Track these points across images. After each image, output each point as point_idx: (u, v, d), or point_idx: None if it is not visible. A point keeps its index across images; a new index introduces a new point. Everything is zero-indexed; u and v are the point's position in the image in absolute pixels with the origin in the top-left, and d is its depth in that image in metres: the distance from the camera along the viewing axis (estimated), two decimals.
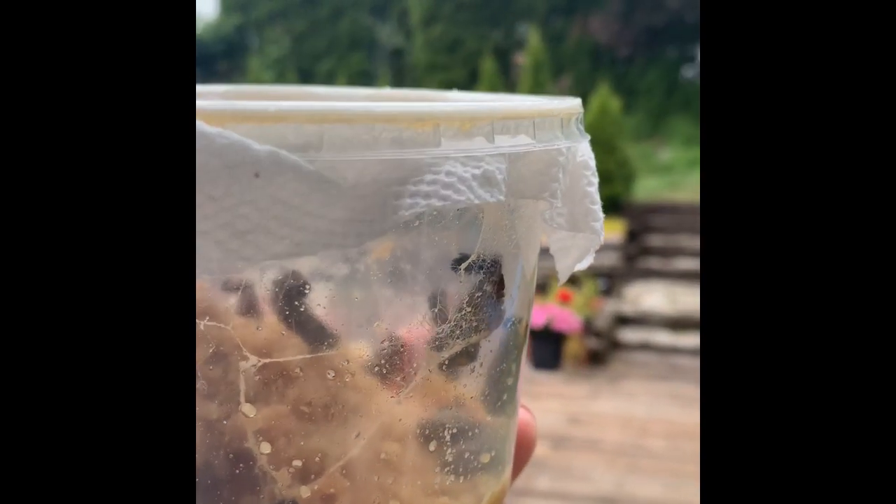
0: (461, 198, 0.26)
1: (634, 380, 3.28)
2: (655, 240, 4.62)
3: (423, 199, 0.25)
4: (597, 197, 0.32)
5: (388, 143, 0.26)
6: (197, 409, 0.26)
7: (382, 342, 0.28)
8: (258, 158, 0.23)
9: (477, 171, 0.27)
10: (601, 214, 0.32)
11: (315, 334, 0.27)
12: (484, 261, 0.30)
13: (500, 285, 0.31)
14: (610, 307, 3.72)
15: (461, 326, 0.30)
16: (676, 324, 3.63)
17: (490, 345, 0.31)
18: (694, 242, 4.31)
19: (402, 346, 0.28)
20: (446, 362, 0.30)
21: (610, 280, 4.04)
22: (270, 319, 0.26)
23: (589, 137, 0.33)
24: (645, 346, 3.67)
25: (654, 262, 4.48)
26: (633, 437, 2.71)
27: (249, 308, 0.26)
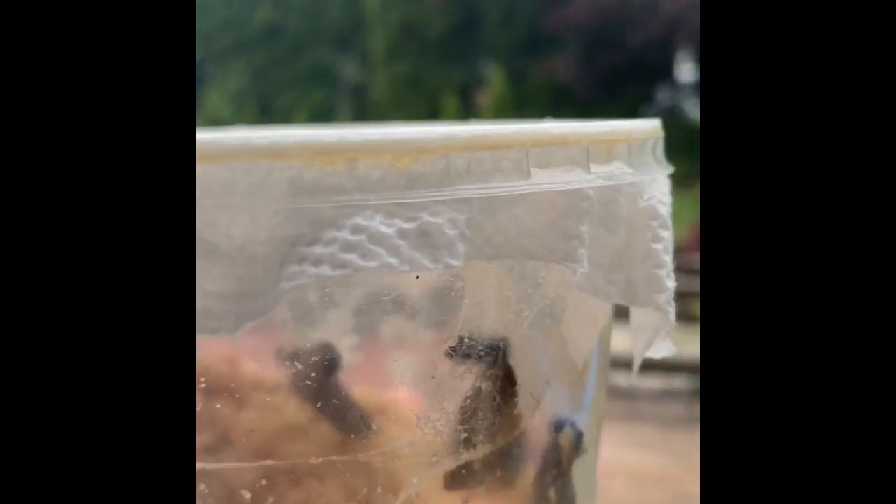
0: (371, 264, 0.18)
1: None
2: None
3: (313, 265, 0.18)
4: (665, 258, 0.24)
5: (282, 187, 0.18)
6: None
7: None
8: None
9: (408, 226, 0.19)
10: (670, 284, 0.24)
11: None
12: (472, 346, 0.22)
13: (506, 380, 0.23)
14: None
15: (452, 436, 0.22)
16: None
17: (506, 465, 0.24)
18: None
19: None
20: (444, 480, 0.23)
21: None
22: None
23: (667, 171, 0.25)
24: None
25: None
26: None
27: None
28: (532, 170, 0.21)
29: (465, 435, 0.23)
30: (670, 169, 0.27)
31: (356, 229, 0.18)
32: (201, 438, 0.22)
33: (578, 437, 0.26)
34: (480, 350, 0.23)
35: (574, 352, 0.25)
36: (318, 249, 0.18)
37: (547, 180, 0.21)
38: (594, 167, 0.22)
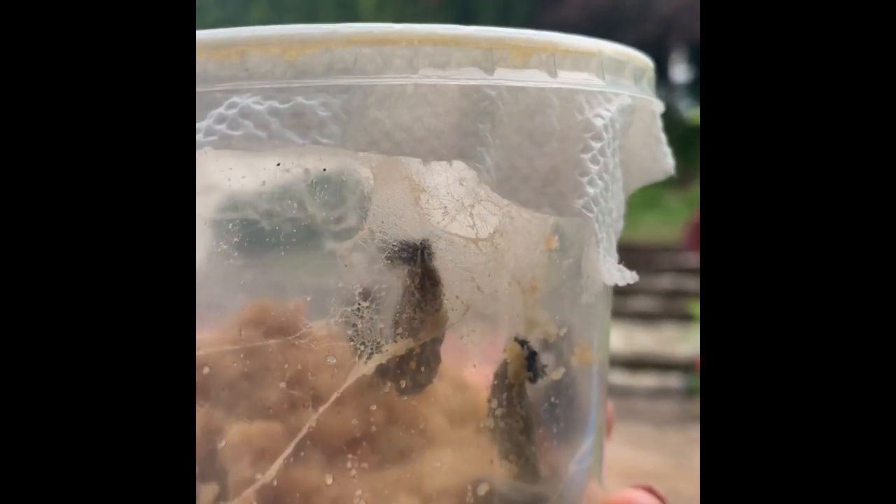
0: (236, 133, 0.21)
1: None
2: (664, 282, 4.58)
3: (202, 135, 0.21)
4: (591, 166, 0.24)
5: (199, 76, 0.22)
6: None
7: None
8: None
9: (282, 106, 0.21)
10: (591, 189, 0.24)
11: None
12: (387, 242, 0.24)
13: (426, 278, 0.25)
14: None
15: (369, 326, 0.25)
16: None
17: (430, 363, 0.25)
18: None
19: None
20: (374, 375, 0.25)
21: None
22: None
23: (632, 92, 0.27)
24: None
25: (641, 303, 4.45)
26: None
27: None
28: (424, 69, 0.23)
29: (381, 325, 0.25)
30: (643, 94, 0.28)
31: (230, 106, 0.22)
32: None
33: (531, 357, 0.27)
34: (395, 245, 0.25)
35: (517, 269, 0.26)
36: (202, 123, 0.22)
37: (437, 77, 0.23)
38: (503, 72, 0.24)
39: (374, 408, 0.25)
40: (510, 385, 0.27)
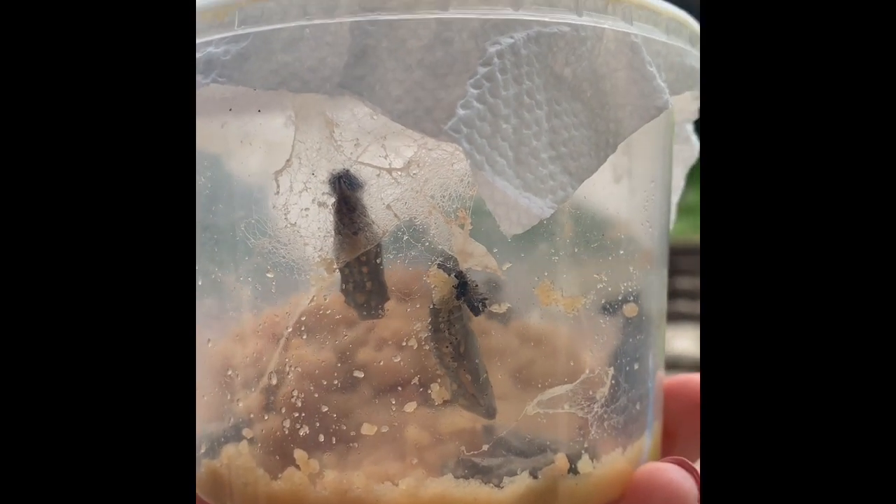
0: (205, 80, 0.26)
1: None
2: (684, 282, 4.46)
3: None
4: (473, 90, 0.25)
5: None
6: None
7: None
8: None
9: (200, 54, 0.27)
10: (463, 110, 0.24)
11: None
12: (310, 175, 0.28)
13: (342, 203, 0.27)
14: None
15: (298, 244, 0.28)
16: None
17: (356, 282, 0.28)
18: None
19: None
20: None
21: None
22: None
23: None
24: None
25: (683, 305, 4.34)
26: None
27: None
28: (317, 15, 0.26)
29: (307, 246, 0.28)
30: (603, 24, 0.27)
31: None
32: None
33: (462, 286, 0.28)
34: (314, 175, 0.28)
35: (440, 200, 0.27)
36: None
37: (326, 19, 0.26)
38: (390, 9, 0.26)
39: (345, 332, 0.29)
40: (437, 310, 0.28)
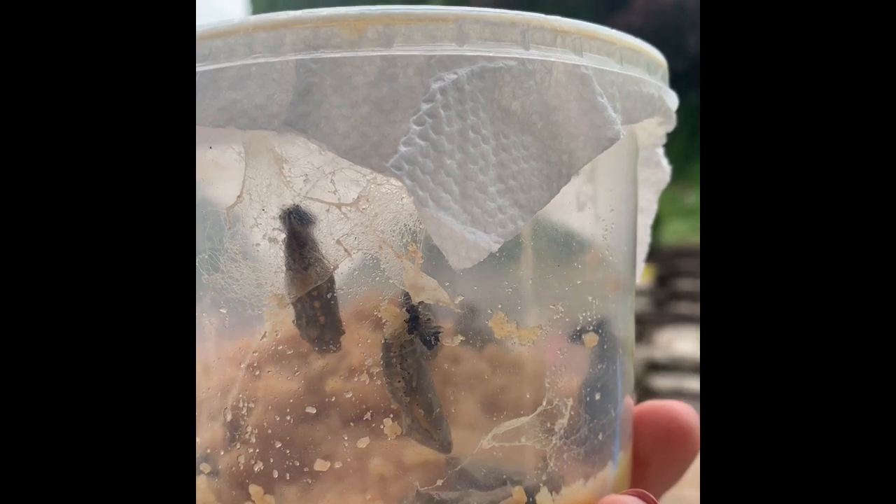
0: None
1: None
2: (685, 284, 4.50)
3: None
4: (415, 127, 0.25)
5: None
6: None
7: None
8: None
9: None
10: (405, 147, 0.24)
11: None
12: (260, 211, 0.28)
13: (292, 239, 0.27)
14: (641, 354, 3.61)
15: (251, 280, 0.28)
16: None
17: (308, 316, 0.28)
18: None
19: None
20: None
21: (640, 326, 3.93)
22: None
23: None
24: (678, 393, 3.54)
25: (684, 307, 4.37)
26: None
27: None
28: (262, 53, 0.26)
29: (259, 281, 0.28)
30: (547, 57, 0.27)
31: None
32: None
33: (413, 320, 0.28)
34: (264, 210, 0.28)
35: (389, 234, 0.28)
36: None
37: (272, 57, 0.26)
38: (334, 47, 0.26)
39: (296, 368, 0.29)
40: (388, 344, 0.28)
